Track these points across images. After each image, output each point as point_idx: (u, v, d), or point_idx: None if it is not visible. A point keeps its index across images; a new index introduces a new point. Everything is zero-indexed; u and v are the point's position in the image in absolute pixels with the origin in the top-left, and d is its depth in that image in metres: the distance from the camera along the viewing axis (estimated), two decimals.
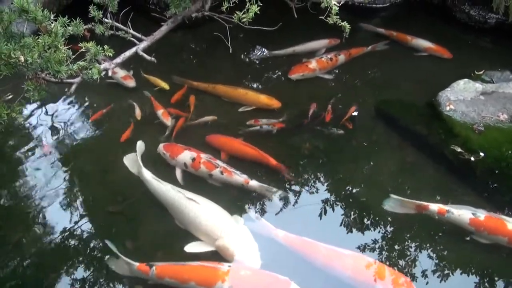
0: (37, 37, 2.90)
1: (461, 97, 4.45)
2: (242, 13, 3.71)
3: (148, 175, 3.91)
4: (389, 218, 3.77)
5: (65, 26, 3.08)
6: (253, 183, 3.89)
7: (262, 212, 3.84)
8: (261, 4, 3.69)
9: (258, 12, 3.68)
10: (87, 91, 4.93)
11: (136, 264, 3.31)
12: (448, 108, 4.35)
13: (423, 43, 5.53)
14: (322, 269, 3.35)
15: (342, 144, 4.44)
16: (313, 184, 4.11)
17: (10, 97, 3.58)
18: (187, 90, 4.93)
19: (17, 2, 2.79)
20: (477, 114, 4.29)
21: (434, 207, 3.62)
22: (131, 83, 5.02)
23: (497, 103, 4.36)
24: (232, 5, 3.88)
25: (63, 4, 5.64)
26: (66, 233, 3.73)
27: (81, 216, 3.85)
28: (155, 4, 5.84)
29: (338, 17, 3.72)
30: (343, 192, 4.03)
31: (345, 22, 3.77)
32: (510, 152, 3.97)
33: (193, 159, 4.05)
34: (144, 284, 3.37)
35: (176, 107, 4.74)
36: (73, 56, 3.13)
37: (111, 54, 3.27)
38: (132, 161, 4.09)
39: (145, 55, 3.97)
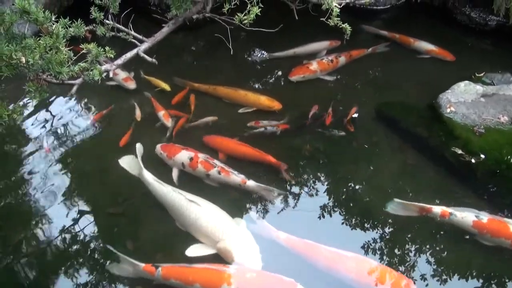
0: (38, 38, 2.89)
1: (462, 99, 4.44)
2: (243, 14, 3.70)
3: (149, 177, 3.90)
4: (390, 220, 3.77)
5: (67, 28, 3.07)
6: (250, 183, 3.88)
7: (264, 214, 3.83)
8: (262, 6, 3.69)
9: (259, 13, 3.67)
10: (88, 93, 4.93)
11: (142, 264, 3.30)
12: (448, 110, 4.35)
13: (426, 46, 5.52)
14: (324, 272, 3.33)
15: (343, 146, 4.44)
16: (314, 185, 4.10)
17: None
18: (188, 91, 4.93)
19: (19, 3, 2.79)
20: (478, 116, 4.28)
21: (437, 209, 3.61)
22: (131, 85, 5.02)
23: (497, 105, 4.36)
24: (233, 6, 3.88)
25: (64, 5, 5.65)
26: (67, 234, 3.72)
27: (82, 217, 3.84)
28: (156, 6, 5.83)
29: (339, 19, 3.72)
30: (344, 194, 4.03)
31: (346, 24, 3.78)
32: (510, 154, 3.96)
33: (191, 159, 4.05)
34: (145, 285, 3.36)
35: (177, 108, 4.74)
36: (74, 58, 3.12)
37: (112, 56, 3.26)
38: (129, 163, 4.08)
39: (146, 56, 3.96)
